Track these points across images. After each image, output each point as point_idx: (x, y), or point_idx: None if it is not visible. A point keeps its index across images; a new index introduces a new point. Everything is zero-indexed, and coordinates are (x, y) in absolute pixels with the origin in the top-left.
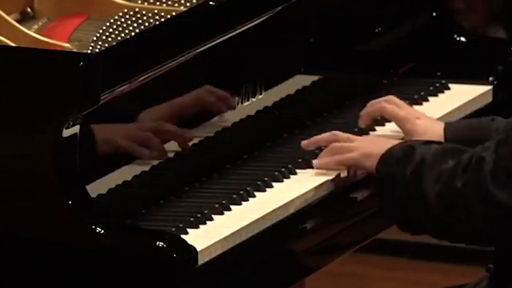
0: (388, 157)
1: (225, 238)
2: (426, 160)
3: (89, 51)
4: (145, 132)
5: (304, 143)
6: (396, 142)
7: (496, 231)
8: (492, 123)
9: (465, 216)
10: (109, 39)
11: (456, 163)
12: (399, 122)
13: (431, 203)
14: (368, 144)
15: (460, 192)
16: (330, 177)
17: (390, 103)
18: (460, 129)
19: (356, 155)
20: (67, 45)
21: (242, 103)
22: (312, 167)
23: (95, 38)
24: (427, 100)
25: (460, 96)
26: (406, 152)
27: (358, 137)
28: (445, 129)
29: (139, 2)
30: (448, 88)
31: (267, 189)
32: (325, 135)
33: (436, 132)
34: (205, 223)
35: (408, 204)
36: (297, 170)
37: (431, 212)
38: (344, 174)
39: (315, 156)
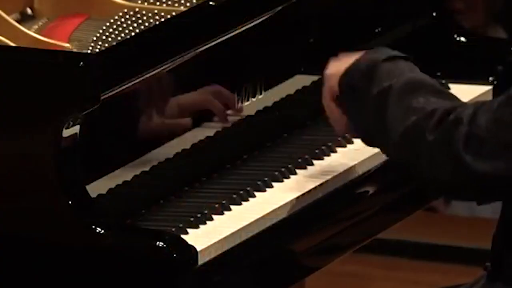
0: (352, 69)
1: (225, 238)
2: (394, 88)
3: (89, 51)
4: (145, 132)
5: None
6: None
7: (459, 187)
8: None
9: (427, 166)
10: (109, 39)
11: (430, 112)
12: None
13: (393, 137)
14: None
15: (429, 144)
16: (330, 177)
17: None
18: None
19: (327, 84)
20: (67, 45)
21: (242, 103)
22: (312, 165)
23: (95, 38)
24: None
25: (460, 96)
26: (370, 67)
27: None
28: None
29: (139, 2)
30: (448, 88)
31: (267, 189)
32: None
33: None
34: (205, 223)
35: (371, 125)
36: (297, 170)
37: (393, 147)
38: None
39: (315, 156)
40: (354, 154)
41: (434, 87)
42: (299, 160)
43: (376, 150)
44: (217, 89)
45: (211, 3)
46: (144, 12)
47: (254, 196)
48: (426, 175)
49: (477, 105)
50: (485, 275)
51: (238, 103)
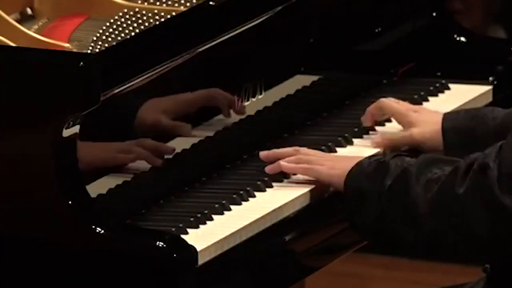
0: (356, 172)
1: (225, 238)
2: (410, 171)
3: (89, 51)
4: (145, 132)
5: (263, 154)
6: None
7: (500, 238)
8: (490, 112)
9: (461, 223)
10: (109, 39)
11: (452, 171)
12: (397, 115)
13: (421, 213)
14: (336, 159)
15: (461, 199)
16: None
17: (387, 99)
18: (459, 118)
19: (323, 168)
20: (67, 45)
21: (242, 103)
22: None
23: (95, 38)
24: (427, 100)
25: (460, 96)
26: (377, 167)
27: (326, 154)
28: (443, 119)
29: (139, 2)
30: (448, 88)
31: (267, 189)
32: (287, 150)
33: (435, 122)
34: (205, 223)
35: (387, 219)
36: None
37: (420, 223)
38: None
39: None
40: (353, 155)
41: (444, 159)
42: None
43: (376, 150)
44: (216, 91)
45: (211, 3)
46: (144, 12)
47: (254, 196)
48: (461, 235)
49: (496, 147)
50: (485, 277)
51: (238, 103)
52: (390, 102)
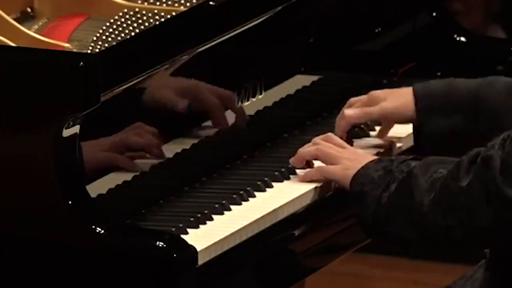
0: (362, 175)
1: (225, 238)
2: (414, 173)
3: (89, 51)
4: (145, 132)
5: (293, 160)
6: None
7: (503, 230)
8: (461, 80)
9: (466, 217)
10: (109, 39)
11: (455, 166)
12: (368, 101)
13: (425, 211)
14: (352, 157)
15: (464, 192)
16: None
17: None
18: (430, 85)
19: (336, 169)
20: (67, 45)
21: (242, 103)
22: (311, 167)
23: (95, 38)
24: None
25: None
26: (383, 175)
27: (348, 150)
28: (414, 87)
29: (139, 2)
30: None
31: (267, 189)
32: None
33: (406, 92)
34: (205, 223)
35: (390, 221)
36: (297, 170)
37: (425, 221)
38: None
39: None
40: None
41: (449, 159)
42: None
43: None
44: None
45: (211, 3)
46: (144, 12)
47: (254, 196)
48: (466, 229)
49: (500, 139)
50: (483, 263)
51: (238, 103)
52: (358, 97)
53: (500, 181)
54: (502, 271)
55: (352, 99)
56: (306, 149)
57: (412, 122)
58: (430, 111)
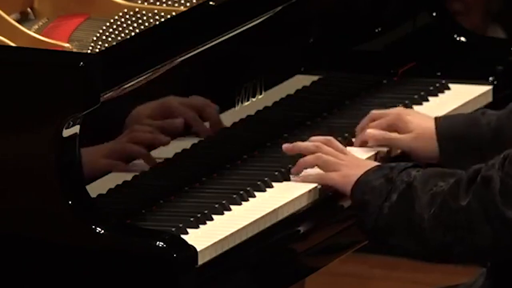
0: (363, 183)
1: (225, 238)
2: (414, 185)
3: (89, 51)
4: (145, 132)
5: (286, 147)
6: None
7: (502, 249)
8: (482, 117)
9: (465, 235)
10: (109, 39)
11: (454, 183)
12: (394, 119)
13: (425, 226)
14: (351, 164)
15: (464, 211)
16: None
17: (375, 113)
18: (453, 125)
19: (336, 176)
20: (67, 45)
21: (242, 103)
22: (312, 167)
23: (95, 38)
24: (427, 100)
25: (460, 96)
26: (383, 183)
27: (347, 156)
28: (436, 125)
29: (139, 2)
30: (448, 88)
31: (267, 189)
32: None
33: (428, 128)
34: (205, 223)
35: (391, 232)
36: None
37: (425, 236)
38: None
39: None
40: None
41: (449, 172)
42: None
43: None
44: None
45: (211, 3)
46: (144, 12)
47: (254, 196)
48: (466, 246)
49: (501, 158)
50: (484, 272)
51: (238, 103)
52: (382, 111)
53: (499, 202)
54: (503, 280)
55: (376, 113)
56: (306, 158)
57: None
58: (453, 154)
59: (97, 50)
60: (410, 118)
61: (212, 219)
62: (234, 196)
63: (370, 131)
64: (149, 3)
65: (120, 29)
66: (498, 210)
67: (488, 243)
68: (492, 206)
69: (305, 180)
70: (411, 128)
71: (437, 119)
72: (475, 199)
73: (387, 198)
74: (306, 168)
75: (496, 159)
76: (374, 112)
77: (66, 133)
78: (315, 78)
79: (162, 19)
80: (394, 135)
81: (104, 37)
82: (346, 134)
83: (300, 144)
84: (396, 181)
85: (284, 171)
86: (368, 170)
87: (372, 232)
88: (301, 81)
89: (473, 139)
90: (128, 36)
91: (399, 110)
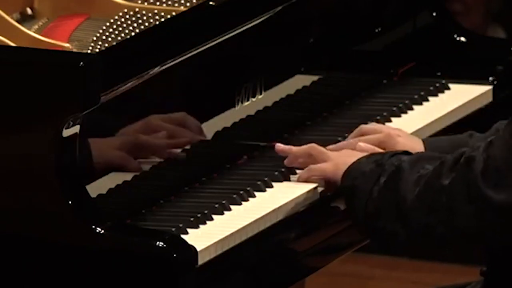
0: (353, 169)
1: (225, 238)
2: (402, 167)
3: (89, 51)
4: (145, 132)
5: (279, 148)
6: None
7: (484, 231)
8: (470, 139)
9: (447, 216)
10: (109, 39)
11: (439, 164)
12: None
13: (409, 206)
14: (342, 156)
15: (446, 191)
16: None
17: (365, 128)
18: (438, 148)
19: (327, 166)
20: (67, 45)
21: (242, 103)
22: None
23: (95, 38)
24: (427, 100)
25: (460, 96)
26: (374, 168)
27: (335, 153)
28: (425, 147)
29: (139, 2)
30: (448, 88)
31: (267, 189)
32: (302, 148)
33: (416, 149)
34: (205, 223)
35: (376, 217)
36: (297, 170)
37: (409, 218)
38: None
39: None
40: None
41: (437, 156)
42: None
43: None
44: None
45: (211, 3)
46: (144, 12)
47: (254, 196)
48: (447, 227)
49: (486, 142)
50: (482, 280)
51: (237, 104)
52: (371, 126)
53: (481, 182)
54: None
55: (365, 128)
56: (299, 148)
57: None
58: None
59: (97, 50)
60: (400, 139)
61: (212, 219)
62: (234, 196)
63: (361, 144)
64: (149, 3)
65: (120, 29)
66: (480, 190)
67: (469, 223)
68: (474, 185)
69: (299, 176)
70: (400, 148)
71: (424, 141)
72: (457, 178)
73: (377, 182)
74: (299, 159)
75: (482, 141)
76: (364, 126)
77: (66, 133)
78: (315, 78)
79: (162, 19)
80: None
81: (104, 37)
82: (346, 134)
83: (296, 150)
84: (385, 164)
85: (284, 171)
86: (360, 158)
87: (363, 219)
88: (301, 81)
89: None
90: (128, 36)
91: (389, 130)
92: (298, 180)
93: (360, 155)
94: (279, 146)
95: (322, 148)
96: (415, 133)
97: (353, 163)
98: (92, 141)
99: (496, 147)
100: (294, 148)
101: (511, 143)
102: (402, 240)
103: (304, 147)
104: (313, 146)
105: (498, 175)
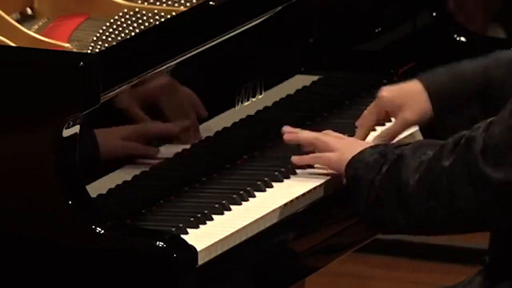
0: (357, 160)
1: (225, 238)
2: (404, 154)
3: (89, 51)
4: (145, 132)
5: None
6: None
7: (483, 212)
8: (469, 68)
9: (447, 199)
10: (109, 39)
11: (439, 147)
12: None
13: (410, 192)
14: (348, 147)
15: (446, 172)
16: (330, 177)
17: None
18: (441, 83)
19: (332, 156)
20: (67, 45)
21: (242, 103)
22: (312, 167)
23: (95, 38)
24: None
25: None
26: (377, 158)
27: (346, 140)
28: (427, 89)
29: (139, 2)
30: None
31: (267, 189)
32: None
33: (417, 95)
34: (205, 223)
35: (379, 205)
36: (297, 170)
37: (410, 202)
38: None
39: None
40: None
41: (439, 142)
42: None
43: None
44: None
45: (211, 3)
46: (144, 12)
47: (254, 196)
48: (448, 210)
49: (486, 122)
50: (483, 269)
51: (237, 104)
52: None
53: (480, 161)
54: (500, 277)
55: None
56: (305, 135)
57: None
58: (448, 110)
59: (97, 50)
60: (393, 96)
61: (212, 219)
62: (234, 196)
63: (376, 140)
64: (149, 3)
65: (120, 29)
66: (479, 170)
67: (470, 205)
68: (473, 165)
69: (300, 158)
70: (401, 104)
71: (422, 82)
72: (457, 159)
73: (379, 171)
74: (304, 149)
75: (482, 122)
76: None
77: (66, 133)
78: (315, 78)
79: (162, 19)
80: (394, 127)
81: (104, 37)
82: (346, 134)
83: (302, 136)
84: (388, 154)
85: (284, 171)
86: (365, 148)
87: (365, 207)
88: (301, 81)
89: (463, 95)
90: (128, 36)
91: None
92: (299, 162)
93: (365, 145)
94: (287, 128)
95: (328, 138)
96: (414, 133)
97: (358, 153)
98: (93, 139)
99: (496, 127)
100: (301, 135)
101: (510, 123)
102: (403, 226)
103: (310, 136)
104: (319, 136)
105: (497, 153)
